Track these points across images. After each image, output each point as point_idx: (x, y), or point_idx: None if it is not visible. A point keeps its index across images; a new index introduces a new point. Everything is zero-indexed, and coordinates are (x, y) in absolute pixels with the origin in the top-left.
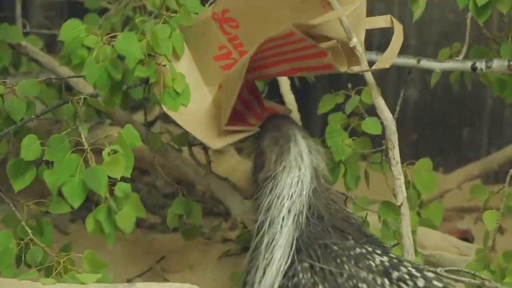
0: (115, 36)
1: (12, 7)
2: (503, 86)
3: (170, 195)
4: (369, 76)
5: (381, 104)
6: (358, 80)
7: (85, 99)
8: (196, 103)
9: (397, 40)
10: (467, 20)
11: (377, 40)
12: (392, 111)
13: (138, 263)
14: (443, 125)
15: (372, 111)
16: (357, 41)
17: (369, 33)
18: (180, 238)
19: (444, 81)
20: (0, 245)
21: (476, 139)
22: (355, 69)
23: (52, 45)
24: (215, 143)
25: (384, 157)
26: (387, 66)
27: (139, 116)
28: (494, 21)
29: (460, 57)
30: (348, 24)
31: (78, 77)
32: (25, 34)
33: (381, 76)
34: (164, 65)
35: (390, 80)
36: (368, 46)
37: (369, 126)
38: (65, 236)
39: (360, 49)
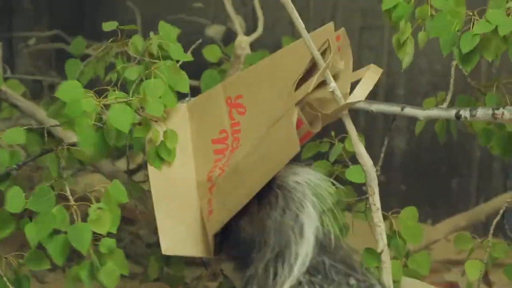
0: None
1: None
2: (489, 137)
3: (154, 245)
4: (348, 122)
5: (360, 149)
6: (342, 128)
7: (68, 148)
8: (178, 174)
9: (371, 77)
10: (452, 69)
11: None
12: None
13: None
14: (431, 175)
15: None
16: (335, 85)
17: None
18: (158, 286)
19: (432, 130)
20: None
21: (465, 190)
22: (330, 112)
23: (37, 92)
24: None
25: (367, 206)
26: (361, 99)
27: (121, 163)
28: (482, 70)
29: (445, 105)
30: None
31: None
32: (7, 79)
33: (369, 126)
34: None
35: (377, 130)
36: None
37: (353, 174)
38: (42, 285)
39: (338, 93)
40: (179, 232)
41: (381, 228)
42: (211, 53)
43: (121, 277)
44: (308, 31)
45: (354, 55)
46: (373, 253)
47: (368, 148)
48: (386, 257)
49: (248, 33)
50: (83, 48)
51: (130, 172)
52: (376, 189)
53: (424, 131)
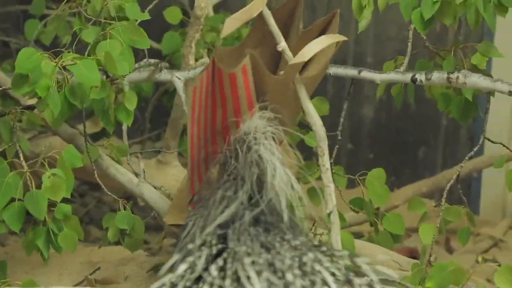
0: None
1: None
2: (447, 101)
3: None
4: (297, 83)
5: (309, 108)
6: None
7: (23, 112)
8: None
9: (323, 40)
10: (410, 32)
11: (351, 56)
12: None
13: (73, 274)
14: (399, 144)
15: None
16: (285, 44)
17: (344, 49)
18: (120, 250)
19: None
20: None
21: (431, 158)
22: (281, 72)
23: (5, 56)
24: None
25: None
26: (305, 59)
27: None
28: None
29: (402, 69)
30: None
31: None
32: None
33: (337, 94)
34: (116, 83)
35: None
36: (344, 61)
37: (313, 138)
38: (2, 247)
39: (288, 52)
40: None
41: (330, 189)
42: (172, 15)
43: (84, 242)
44: None
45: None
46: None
47: (336, 115)
48: (335, 218)
49: None
50: (42, 8)
51: (97, 136)
52: (326, 150)
53: (393, 100)
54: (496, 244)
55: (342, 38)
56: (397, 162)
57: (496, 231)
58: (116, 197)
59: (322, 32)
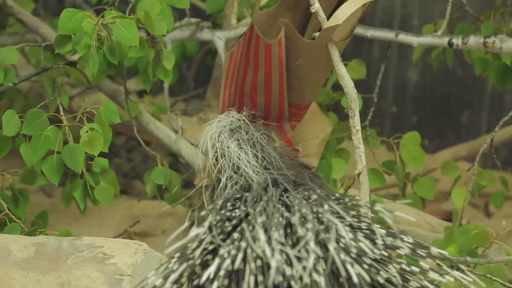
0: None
1: None
2: (485, 66)
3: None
4: (330, 46)
5: (342, 71)
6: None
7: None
8: None
9: (354, 1)
10: None
11: (397, 19)
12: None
13: (113, 226)
14: (443, 108)
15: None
16: (318, 6)
17: (391, 12)
18: (160, 205)
19: (446, 63)
20: None
21: (475, 123)
22: (316, 34)
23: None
24: None
25: (368, 134)
26: (339, 22)
27: (131, 84)
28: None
29: (439, 32)
30: None
31: None
32: None
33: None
34: (156, 42)
35: (390, 62)
36: (390, 24)
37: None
38: (48, 198)
39: (322, 13)
40: None
41: (360, 150)
42: None
43: (127, 195)
44: None
45: None
46: (377, 173)
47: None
48: (364, 178)
49: None
50: None
51: (139, 93)
52: (357, 111)
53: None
54: None
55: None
56: (441, 126)
57: None
58: (154, 153)
59: None
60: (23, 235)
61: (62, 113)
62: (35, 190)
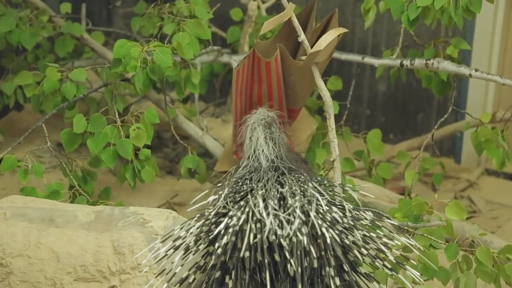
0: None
1: (79, 10)
2: (429, 80)
3: (201, 155)
4: (313, 67)
5: (321, 85)
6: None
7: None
8: None
9: (330, 34)
10: (401, 29)
11: (370, 46)
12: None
13: (159, 198)
14: (404, 111)
15: (335, 97)
16: (304, 37)
17: (350, 39)
18: (192, 183)
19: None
20: (54, 192)
21: (426, 122)
22: (303, 58)
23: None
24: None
25: (343, 131)
26: (321, 48)
27: (174, 94)
28: (442, 31)
29: (394, 56)
30: (297, 23)
31: None
32: (89, 31)
33: (359, 74)
34: (186, 66)
35: (365, 78)
36: (364, 50)
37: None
38: (113, 176)
39: (306, 42)
40: (229, 155)
41: (334, 143)
42: (236, 15)
43: (171, 175)
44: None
45: (349, 22)
46: (349, 161)
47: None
48: (337, 163)
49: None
50: (144, 9)
51: (183, 100)
52: (332, 114)
53: (399, 79)
54: (471, 185)
55: (345, 30)
56: (402, 124)
57: (472, 176)
58: (185, 145)
59: (326, 26)
60: (88, 204)
61: (117, 116)
62: (105, 171)
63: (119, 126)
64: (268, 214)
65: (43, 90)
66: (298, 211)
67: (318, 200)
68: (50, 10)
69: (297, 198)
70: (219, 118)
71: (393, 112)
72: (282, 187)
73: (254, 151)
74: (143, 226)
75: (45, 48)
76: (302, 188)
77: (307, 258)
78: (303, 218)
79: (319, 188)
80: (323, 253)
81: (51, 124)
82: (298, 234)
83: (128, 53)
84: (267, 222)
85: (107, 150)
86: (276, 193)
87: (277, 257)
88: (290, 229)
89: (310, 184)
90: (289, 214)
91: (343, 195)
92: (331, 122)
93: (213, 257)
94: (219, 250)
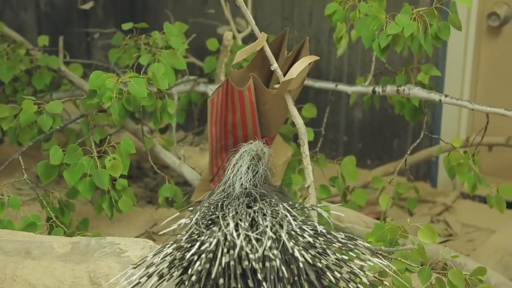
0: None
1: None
2: (402, 106)
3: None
4: (286, 95)
5: (294, 112)
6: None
7: (96, 114)
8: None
9: (302, 62)
10: (373, 57)
11: (345, 74)
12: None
13: (138, 228)
14: (380, 137)
15: (311, 123)
16: (276, 65)
17: (326, 67)
18: (172, 211)
19: (381, 105)
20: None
21: (402, 147)
22: (276, 86)
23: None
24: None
25: (318, 158)
26: (293, 76)
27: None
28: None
29: (366, 83)
30: (270, 52)
31: None
32: (68, 63)
33: (336, 102)
34: (162, 97)
35: (342, 105)
36: (340, 78)
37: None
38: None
39: (279, 71)
40: (205, 185)
41: (309, 169)
42: (212, 45)
43: (151, 204)
44: (291, 33)
45: (324, 51)
46: (325, 188)
47: (334, 116)
48: (311, 189)
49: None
50: (121, 41)
51: (162, 130)
52: (306, 141)
53: (374, 106)
54: (447, 209)
55: (316, 58)
56: (378, 150)
57: (447, 200)
58: (163, 174)
59: (298, 54)
60: (65, 236)
61: (93, 146)
62: (85, 202)
63: (95, 157)
64: (238, 235)
65: (19, 122)
66: (268, 230)
67: (289, 222)
68: (27, 43)
69: (268, 218)
70: (197, 147)
71: (370, 138)
72: (253, 209)
73: (232, 177)
74: (120, 256)
75: (23, 81)
76: (273, 209)
77: (281, 284)
78: (274, 237)
79: (291, 210)
80: (296, 278)
81: (32, 156)
82: (271, 255)
83: (103, 84)
84: (237, 242)
85: (83, 181)
86: (247, 216)
87: (250, 283)
88: (263, 250)
89: (281, 206)
90: (259, 234)
91: (316, 218)
92: (305, 149)
93: (188, 284)
94: (193, 278)
